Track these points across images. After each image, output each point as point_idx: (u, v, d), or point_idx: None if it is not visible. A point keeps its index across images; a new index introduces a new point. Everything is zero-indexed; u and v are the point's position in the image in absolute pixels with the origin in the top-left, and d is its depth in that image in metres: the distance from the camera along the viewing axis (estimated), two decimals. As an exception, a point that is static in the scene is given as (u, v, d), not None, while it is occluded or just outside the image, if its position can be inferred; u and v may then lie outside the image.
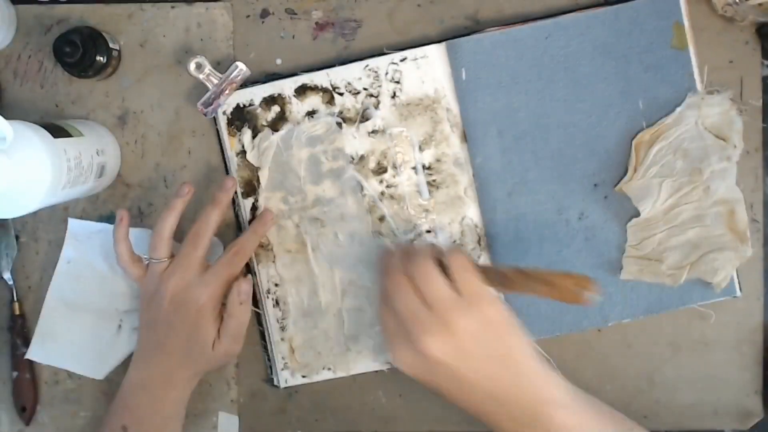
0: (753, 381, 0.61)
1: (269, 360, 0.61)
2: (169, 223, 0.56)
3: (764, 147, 0.60)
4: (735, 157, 0.56)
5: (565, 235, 0.59)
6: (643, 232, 0.57)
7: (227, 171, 0.61)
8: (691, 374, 0.61)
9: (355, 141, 0.59)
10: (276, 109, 0.59)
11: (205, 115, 0.59)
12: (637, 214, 0.57)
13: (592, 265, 0.58)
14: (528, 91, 0.58)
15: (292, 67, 0.60)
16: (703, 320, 0.60)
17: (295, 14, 0.60)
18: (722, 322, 0.61)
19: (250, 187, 0.60)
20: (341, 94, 0.59)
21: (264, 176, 0.59)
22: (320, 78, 0.59)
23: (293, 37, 0.60)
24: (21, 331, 0.61)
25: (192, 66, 0.58)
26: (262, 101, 0.59)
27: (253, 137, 0.59)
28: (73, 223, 0.60)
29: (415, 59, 0.58)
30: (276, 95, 0.59)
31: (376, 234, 0.59)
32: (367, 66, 0.59)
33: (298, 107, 0.59)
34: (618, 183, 0.58)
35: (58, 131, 0.51)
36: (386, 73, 0.59)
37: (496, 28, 0.58)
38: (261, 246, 0.60)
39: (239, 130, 0.60)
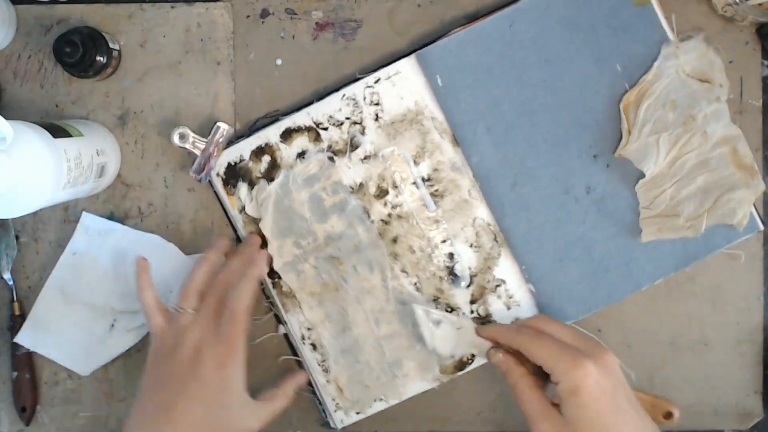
0: (753, 381, 0.61)
1: (320, 404, 0.61)
2: (201, 275, 0.55)
3: (764, 147, 0.60)
4: (724, 96, 0.56)
5: (577, 212, 0.59)
6: (653, 191, 0.57)
7: (234, 230, 0.61)
8: (691, 374, 0.61)
9: (350, 171, 0.59)
10: (266, 158, 0.59)
11: (200, 181, 0.59)
12: (643, 176, 0.57)
13: (612, 235, 0.58)
14: (506, 82, 0.58)
15: (293, 67, 0.60)
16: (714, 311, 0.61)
17: (295, 14, 0.60)
18: (722, 322, 0.61)
19: (263, 240, 0.60)
20: (326, 129, 0.59)
21: (266, 227, 0.59)
22: (302, 118, 0.59)
23: (293, 37, 0.60)
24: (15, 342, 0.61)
25: (176, 137, 0.58)
26: (251, 154, 0.60)
27: (250, 190, 0.60)
28: (86, 217, 0.60)
29: (389, 77, 0.59)
30: (263, 145, 0.59)
31: (393, 256, 0.59)
32: (344, 95, 0.59)
33: (287, 152, 0.59)
34: (616, 149, 0.58)
35: (58, 131, 0.51)
36: (364, 98, 0.59)
37: (460, 27, 0.58)
38: (285, 294, 0.60)
39: (236, 188, 0.60)
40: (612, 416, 0.48)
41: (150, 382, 0.52)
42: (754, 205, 0.58)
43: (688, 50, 0.56)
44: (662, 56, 0.57)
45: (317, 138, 0.59)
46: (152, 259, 0.58)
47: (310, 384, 0.61)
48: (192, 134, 0.58)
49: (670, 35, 0.57)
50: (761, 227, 0.58)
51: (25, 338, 0.60)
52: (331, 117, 0.59)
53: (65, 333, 0.60)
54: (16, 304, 0.61)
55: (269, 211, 0.59)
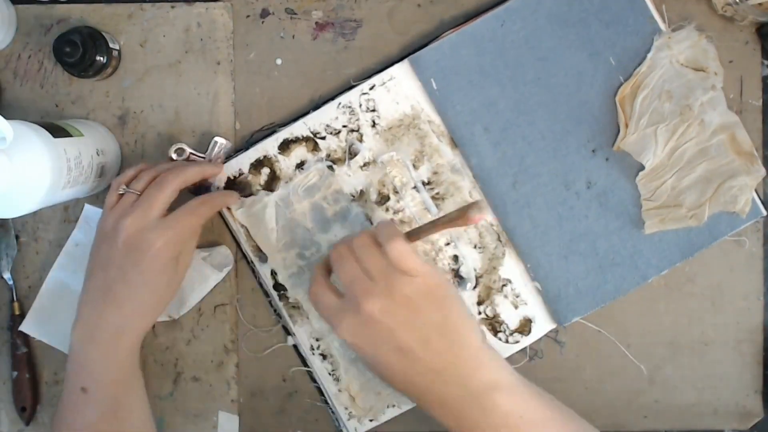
0: (753, 381, 0.61)
1: (333, 413, 0.61)
2: (164, 169, 0.54)
3: (764, 147, 0.60)
4: (719, 84, 0.56)
5: (579, 207, 0.59)
6: (653, 182, 0.57)
7: (237, 244, 0.61)
8: (691, 374, 0.61)
9: (350, 179, 0.59)
10: (266, 171, 0.59)
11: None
12: (643, 168, 0.57)
13: (615, 228, 0.58)
14: (500, 82, 0.58)
15: (292, 66, 0.60)
16: (713, 311, 0.61)
17: (295, 14, 0.60)
18: (722, 322, 0.61)
19: (264, 254, 0.60)
20: (323, 138, 0.59)
21: (259, 237, 0.59)
22: (299, 128, 0.59)
23: (293, 37, 0.60)
24: (21, 330, 0.61)
25: (173, 154, 0.58)
26: (250, 167, 0.60)
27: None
28: (88, 209, 0.60)
29: (384, 83, 0.59)
30: (262, 158, 0.59)
31: None
32: (339, 104, 0.59)
33: (286, 163, 0.59)
34: (614, 143, 0.58)
35: (58, 131, 0.51)
36: (360, 105, 0.59)
37: (451, 30, 0.58)
38: (292, 306, 0.60)
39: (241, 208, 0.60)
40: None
41: (93, 266, 0.54)
42: (756, 191, 0.58)
43: (680, 40, 0.57)
44: (655, 47, 0.57)
45: (315, 148, 0.59)
46: None
47: (321, 393, 0.61)
48: (189, 150, 0.58)
49: (662, 26, 0.57)
50: (764, 212, 0.58)
51: (29, 327, 0.60)
52: (328, 126, 0.59)
53: (69, 322, 0.60)
54: (16, 304, 0.61)
55: (261, 222, 0.59)
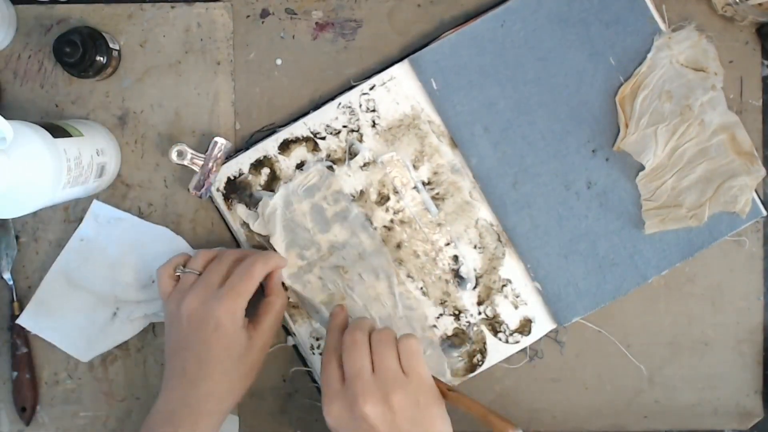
0: (753, 381, 0.61)
1: None
2: (216, 250, 0.56)
3: (764, 147, 0.60)
4: (719, 84, 0.56)
5: (579, 207, 0.59)
6: (654, 182, 0.57)
7: (237, 245, 0.61)
8: (691, 374, 0.61)
9: (350, 179, 0.59)
10: (266, 171, 0.59)
11: (200, 197, 0.59)
12: (643, 168, 0.57)
13: (616, 229, 0.58)
14: (500, 82, 0.58)
15: (293, 66, 0.60)
16: (713, 312, 0.61)
17: (295, 14, 0.60)
18: (722, 322, 0.61)
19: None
20: (323, 138, 0.59)
21: (277, 243, 0.59)
22: (299, 129, 0.59)
23: (293, 37, 0.60)
24: (21, 331, 0.61)
25: (174, 155, 0.58)
26: (250, 168, 0.59)
27: (248, 207, 0.59)
28: (96, 205, 0.60)
29: (384, 83, 0.59)
30: (262, 158, 0.59)
31: (398, 262, 0.59)
32: (339, 104, 0.59)
33: (286, 163, 0.59)
34: (615, 143, 0.58)
35: (58, 131, 0.51)
36: (360, 105, 0.59)
37: (451, 30, 0.58)
38: (291, 305, 0.60)
39: (235, 205, 0.60)
40: None
41: (169, 350, 0.54)
42: (756, 191, 0.58)
43: (680, 40, 0.57)
44: (655, 47, 0.57)
45: (315, 148, 0.59)
46: (160, 251, 0.59)
47: (319, 392, 0.61)
48: (190, 151, 0.58)
49: (662, 26, 0.57)
50: (764, 212, 0.58)
51: (27, 320, 0.60)
52: (328, 126, 0.59)
53: (67, 318, 0.60)
54: (16, 304, 0.61)
55: (277, 227, 0.59)
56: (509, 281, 0.59)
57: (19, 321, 0.60)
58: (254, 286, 0.54)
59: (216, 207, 0.61)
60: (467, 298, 0.60)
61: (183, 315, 0.52)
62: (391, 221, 0.59)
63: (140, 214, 0.61)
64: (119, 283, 0.60)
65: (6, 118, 0.46)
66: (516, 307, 0.60)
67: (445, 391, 0.52)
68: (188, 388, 0.52)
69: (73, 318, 0.60)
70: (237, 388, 0.54)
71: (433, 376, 0.52)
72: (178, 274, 0.56)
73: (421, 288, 0.59)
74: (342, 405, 0.50)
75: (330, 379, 0.51)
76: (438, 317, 0.60)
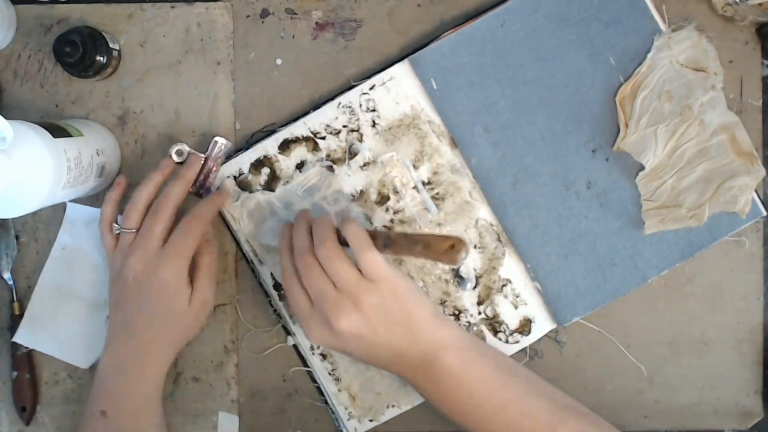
0: (753, 381, 0.61)
1: (333, 413, 0.61)
2: (144, 194, 0.56)
3: (764, 147, 0.60)
4: (719, 84, 0.56)
5: (579, 207, 0.59)
6: (653, 182, 0.57)
7: (238, 245, 0.61)
8: (691, 374, 0.61)
9: (350, 179, 0.59)
10: (266, 170, 0.59)
11: (200, 196, 0.59)
12: (643, 168, 0.57)
13: (615, 229, 0.58)
14: (500, 82, 0.58)
15: (292, 66, 0.60)
16: (712, 312, 0.61)
17: (295, 14, 0.60)
18: (722, 322, 0.61)
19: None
20: (323, 138, 0.59)
21: (243, 222, 0.59)
22: (299, 128, 0.59)
23: (293, 37, 0.60)
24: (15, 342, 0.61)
25: (174, 154, 0.58)
26: (250, 167, 0.60)
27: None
28: (71, 208, 0.60)
29: (384, 83, 0.59)
30: (262, 157, 0.59)
31: (398, 262, 0.59)
32: (339, 104, 0.59)
33: (286, 163, 0.59)
34: (614, 143, 0.58)
35: (58, 131, 0.51)
36: (360, 105, 0.59)
37: (451, 30, 0.58)
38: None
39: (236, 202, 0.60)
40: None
41: (112, 303, 0.57)
42: (756, 191, 0.58)
43: (680, 40, 0.57)
44: (655, 47, 0.57)
45: (315, 148, 0.59)
46: None
47: (321, 393, 0.61)
48: (190, 150, 0.58)
49: (662, 26, 0.57)
50: (764, 213, 0.58)
51: (23, 337, 0.60)
52: (328, 126, 0.59)
53: (62, 328, 0.60)
54: (16, 304, 0.61)
55: (253, 219, 0.59)
56: (509, 281, 0.59)
57: (16, 339, 0.60)
58: (195, 244, 0.55)
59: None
60: (467, 298, 0.60)
61: (128, 276, 0.54)
62: (391, 221, 0.59)
63: (140, 214, 0.61)
64: (106, 284, 0.60)
65: (6, 118, 0.46)
66: (516, 307, 0.60)
67: (381, 247, 0.51)
68: (133, 339, 0.55)
69: (68, 327, 0.61)
70: (178, 339, 0.57)
71: (376, 231, 0.53)
72: (117, 233, 0.57)
73: (421, 287, 0.59)
74: (319, 326, 0.52)
75: (298, 304, 0.53)
76: (438, 317, 0.60)
